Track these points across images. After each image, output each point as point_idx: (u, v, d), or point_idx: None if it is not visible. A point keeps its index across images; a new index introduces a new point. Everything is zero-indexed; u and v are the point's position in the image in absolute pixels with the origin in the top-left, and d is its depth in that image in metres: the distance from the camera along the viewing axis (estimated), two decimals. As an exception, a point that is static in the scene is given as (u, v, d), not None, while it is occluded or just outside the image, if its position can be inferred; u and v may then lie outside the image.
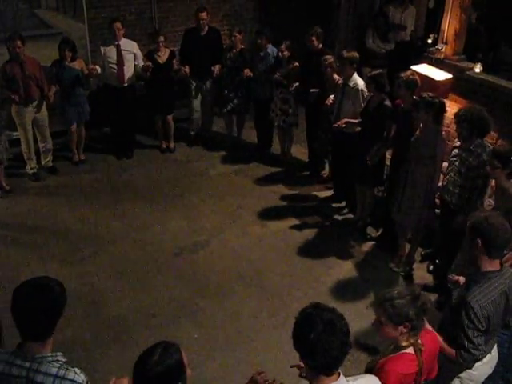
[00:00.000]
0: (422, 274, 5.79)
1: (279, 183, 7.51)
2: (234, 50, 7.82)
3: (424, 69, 7.06)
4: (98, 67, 7.38)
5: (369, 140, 5.84)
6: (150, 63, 7.49)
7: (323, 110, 6.70)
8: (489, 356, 3.38)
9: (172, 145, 8.34)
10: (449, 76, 6.90)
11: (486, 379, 3.55)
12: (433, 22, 8.45)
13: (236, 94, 7.90)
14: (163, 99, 7.87)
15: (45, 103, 7.19)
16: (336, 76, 6.56)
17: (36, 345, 2.48)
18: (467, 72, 6.97)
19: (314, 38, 6.94)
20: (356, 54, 6.26)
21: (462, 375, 3.40)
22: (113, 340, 4.93)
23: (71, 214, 6.70)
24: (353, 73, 6.28)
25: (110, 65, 7.49)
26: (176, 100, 8.20)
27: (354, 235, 6.45)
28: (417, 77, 5.64)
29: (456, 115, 4.91)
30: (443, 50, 7.17)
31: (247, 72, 7.55)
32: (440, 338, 3.20)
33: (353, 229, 6.52)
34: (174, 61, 7.89)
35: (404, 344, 2.80)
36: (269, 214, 6.85)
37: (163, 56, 7.72)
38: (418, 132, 5.31)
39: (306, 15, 8.75)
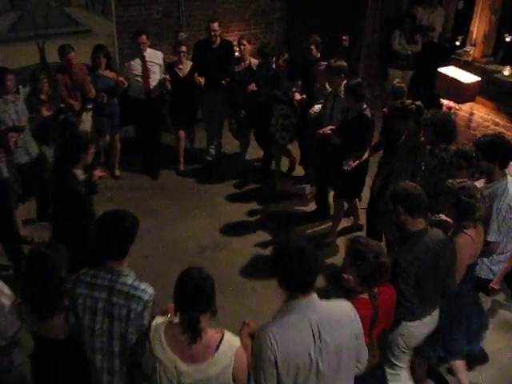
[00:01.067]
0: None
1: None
2: (243, 63, 7.26)
3: (451, 71, 7.00)
4: (125, 80, 7.07)
5: (349, 151, 5.64)
6: (168, 77, 7.21)
7: (308, 120, 6.50)
8: (428, 317, 3.72)
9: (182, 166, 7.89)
10: (477, 79, 6.83)
11: (427, 347, 3.96)
12: (461, 24, 8.37)
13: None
14: (184, 113, 7.55)
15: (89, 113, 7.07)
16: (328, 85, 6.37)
17: (115, 262, 3.01)
18: (496, 75, 6.89)
19: (312, 47, 6.74)
20: (344, 64, 6.03)
21: (403, 332, 3.69)
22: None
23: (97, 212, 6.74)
24: (341, 82, 6.04)
25: (136, 77, 7.23)
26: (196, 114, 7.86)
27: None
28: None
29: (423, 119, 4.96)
30: (471, 52, 7.12)
31: (252, 87, 6.94)
32: None
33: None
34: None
35: (359, 290, 3.19)
36: (293, 215, 6.84)
37: (184, 69, 7.34)
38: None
39: (333, 15, 8.73)
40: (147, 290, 2.97)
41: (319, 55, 6.78)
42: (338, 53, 7.02)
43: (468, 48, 7.18)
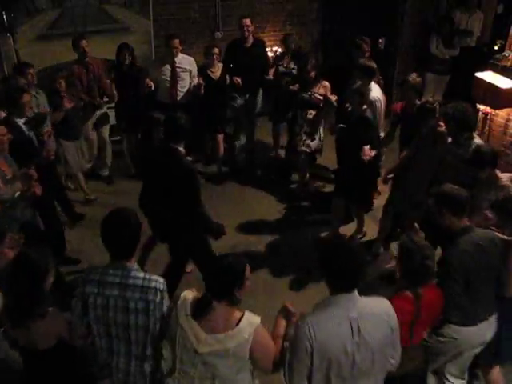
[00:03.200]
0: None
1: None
2: (287, 57, 7.30)
3: (489, 76, 6.88)
4: (151, 83, 6.92)
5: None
6: (201, 81, 7.02)
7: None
8: (484, 323, 3.63)
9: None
10: (515, 84, 6.71)
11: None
12: (501, 28, 8.23)
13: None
14: (216, 117, 7.40)
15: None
16: None
17: (124, 261, 3.06)
18: (535, 81, 6.76)
19: (363, 44, 6.84)
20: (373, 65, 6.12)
21: (450, 335, 3.66)
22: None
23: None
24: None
25: (165, 82, 7.13)
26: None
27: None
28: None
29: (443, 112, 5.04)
30: (510, 57, 6.98)
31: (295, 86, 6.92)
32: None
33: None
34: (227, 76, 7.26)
35: (404, 285, 3.34)
36: (324, 217, 6.81)
37: (217, 72, 7.18)
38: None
39: (370, 18, 8.67)
40: (159, 279, 3.08)
41: (368, 53, 6.81)
42: (373, 56, 6.98)
43: (507, 53, 7.04)
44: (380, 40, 8.94)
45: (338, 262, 2.78)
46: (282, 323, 3.12)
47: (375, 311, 2.87)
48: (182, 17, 8.48)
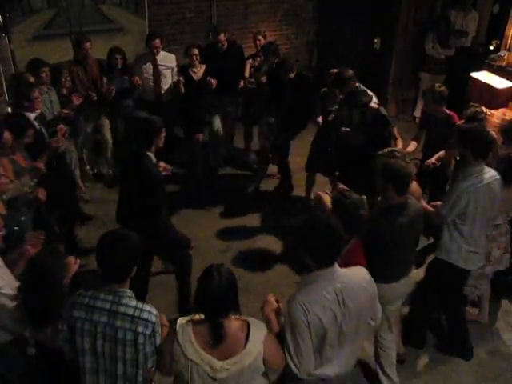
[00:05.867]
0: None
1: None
2: (258, 59, 7.24)
3: (484, 76, 6.92)
4: (140, 80, 6.97)
5: (372, 150, 5.20)
6: (181, 78, 6.93)
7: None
8: (405, 278, 4.01)
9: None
10: (510, 84, 6.74)
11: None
12: (496, 28, 8.24)
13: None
14: (195, 117, 7.17)
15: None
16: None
17: (116, 285, 2.88)
18: (530, 81, 6.79)
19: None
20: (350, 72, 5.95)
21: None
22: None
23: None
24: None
25: (148, 81, 7.13)
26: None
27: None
28: None
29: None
30: (505, 57, 7.02)
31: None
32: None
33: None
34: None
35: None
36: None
37: (198, 72, 7.05)
38: None
39: (367, 17, 8.69)
40: (152, 310, 2.89)
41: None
42: (368, 55, 6.98)
43: (502, 53, 7.08)
44: (375, 40, 8.94)
45: (318, 237, 2.89)
46: (272, 317, 3.09)
47: (354, 279, 3.04)
48: (178, 17, 8.49)
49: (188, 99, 7.01)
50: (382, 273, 3.65)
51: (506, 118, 6.98)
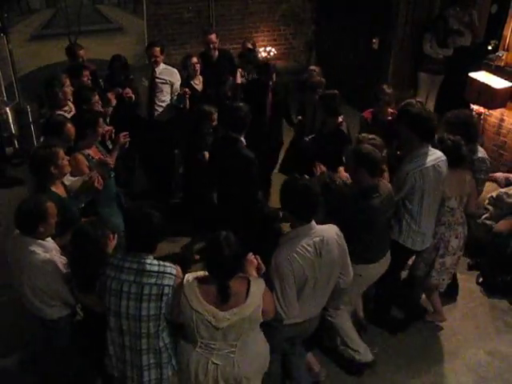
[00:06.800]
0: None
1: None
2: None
3: (482, 76, 6.89)
4: (131, 94, 6.17)
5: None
6: (187, 89, 6.20)
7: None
8: (384, 259, 4.23)
9: None
10: (508, 84, 6.73)
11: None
12: (494, 28, 8.24)
13: None
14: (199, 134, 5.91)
15: None
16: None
17: (143, 253, 3.19)
18: (528, 81, 6.78)
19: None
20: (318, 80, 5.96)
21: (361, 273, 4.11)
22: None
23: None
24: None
25: (142, 95, 6.33)
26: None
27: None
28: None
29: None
30: (504, 57, 6.99)
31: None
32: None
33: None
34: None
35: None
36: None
37: (200, 84, 6.51)
38: None
39: (365, 17, 8.69)
40: (172, 265, 3.25)
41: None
42: (367, 55, 6.97)
43: (500, 53, 7.06)
44: (374, 40, 8.94)
45: (297, 198, 3.34)
46: (255, 274, 3.36)
47: (329, 235, 3.47)
48: (176, 17, 8.49)
49: (191, 113, 6.15)
50: (363, 254, 4.03)
51: (505, 118, 6.98)
